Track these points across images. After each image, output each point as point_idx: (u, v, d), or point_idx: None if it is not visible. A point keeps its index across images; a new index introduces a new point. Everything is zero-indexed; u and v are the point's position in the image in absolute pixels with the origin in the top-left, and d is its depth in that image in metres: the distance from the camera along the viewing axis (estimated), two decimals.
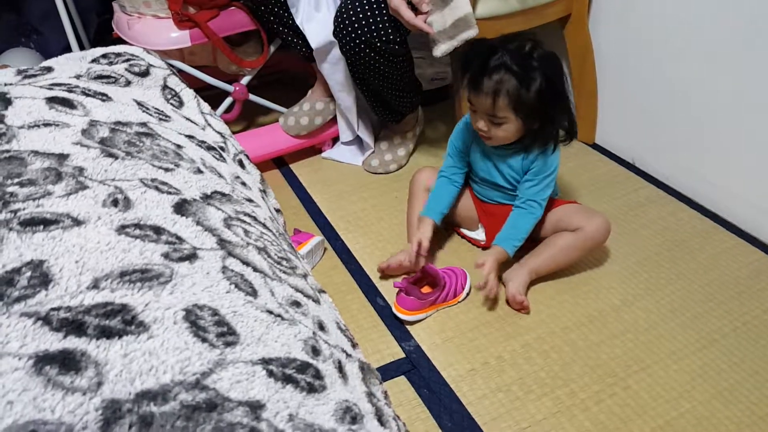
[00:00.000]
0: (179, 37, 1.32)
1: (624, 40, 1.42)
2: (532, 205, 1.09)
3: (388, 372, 1.00)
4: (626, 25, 1.40)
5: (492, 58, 0.98)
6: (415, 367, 1.01)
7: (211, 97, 1.49)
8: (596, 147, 1.58)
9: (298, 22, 1.35)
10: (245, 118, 1.69)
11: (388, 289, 1.16)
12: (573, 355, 1.01)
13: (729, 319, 1.07)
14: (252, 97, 1.49)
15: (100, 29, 1.74)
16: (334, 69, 1.40)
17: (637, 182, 1.44)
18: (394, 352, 1.04)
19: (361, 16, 1.19)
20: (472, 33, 1.20)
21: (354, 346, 0.63)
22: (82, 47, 1.68)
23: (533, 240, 1.15)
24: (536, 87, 0.98)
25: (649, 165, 1.46)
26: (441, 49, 1.19)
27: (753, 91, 1.18)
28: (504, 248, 1.09)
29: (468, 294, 1.14)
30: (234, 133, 1.57)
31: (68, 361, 0.36)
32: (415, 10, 1.16)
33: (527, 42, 1.00)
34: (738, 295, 1.12)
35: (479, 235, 1.25)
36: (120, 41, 1.37)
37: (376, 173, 1.51)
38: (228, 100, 1.47)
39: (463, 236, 1.27)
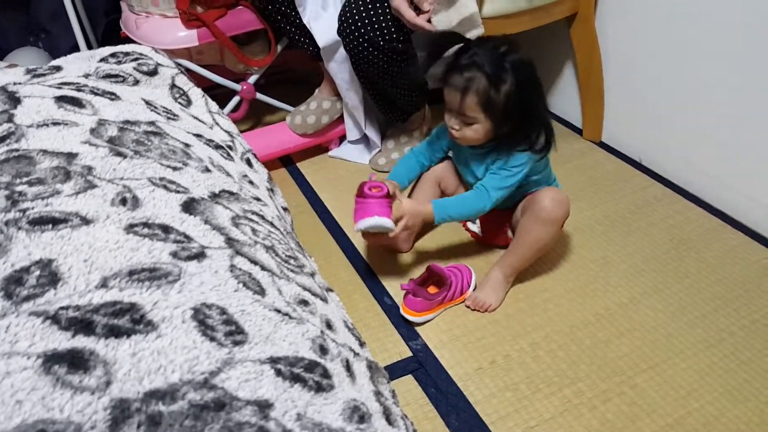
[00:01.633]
0: (187, 36, 1.32)
1: (630, 38, 1.41)
2: (480, 190, 1.05)
3: (395, 371, 1.00)
4: (633, 23, 1.39)
5: (464, 55, 0.97)
6: (423, 366, 1.00)
7: (219, 95, 1.50)
8: (603, 145, 1.57)
9: (305, 20, 1.35)
10: (252, 116, 1.70)
11: (395, 288, 1.16)
12: (580, 353, 1.01)
13: (737, 318, 1.06)
14: (259, 95, 1.49)
15: (108, 29, 1.75)
16: (341, 68, 1.40)
17: (644, 180, 1.43)
18: (401, 350, 1.04)
19: (364, 14, 1.19)
20: (477, 32, 1.20)
21: (362, 344, 0.63)
22: (90, 47, 1.68)
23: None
24: (506, 89, 0.96)
25: (656, 163, 1.46)
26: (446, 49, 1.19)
27: (761, 89, 1.17)
28: (434, 209, 1.04)
29: (474, 291, 1.14)
30: (241, 131, 1.58)
31: (77, 361, 0.36)
32: (417, 10, 1.15)
33: (503, 44, 0.98)
34: (746, 294, 1.11)
35: (475, 226, 1.25)
36: (128, 41, 1.38)
37: (383, 171, 1.51)
38: (235, 99, 1.47)
39: (464, 226, 1.28)
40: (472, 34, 1.19)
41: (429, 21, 1.16)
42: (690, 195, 1.37)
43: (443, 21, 1.17)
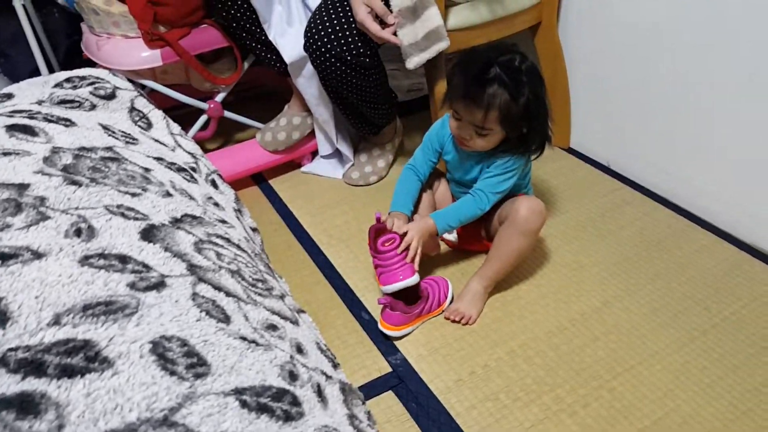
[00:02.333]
0: (150, 57, 1.30)
1: (593, 46, 1.43)
2: (478, 194, 1.08)
3: (375, 388, 0.99)
4: (595, 30, 1.42)
5: (487, 72, 0.98)
6: (403, 381, 1.00)
7: (186, 115, 1.48)
8: (571, 151, 1.59)
9: (270, 37, 1.34)
10: (222, 135, 1.68)
11: (372, 303, 1.15)
12: (557, 359, 1.01)
13: (708, 316, 1.08)
14: (227, 113, 1.48)
15: (69, 51, 1.72)
16: (309, 83, 1.39)
17: (612, 184, 1.45)
18: (380, 366, 1.03)
19: (330, 30, 1.19)
20: (443, 45, 1.20)
21: (335, 366, 0.62)
22: (51, 70, 1.65)
23: (491, 240, 1.16)
24: (524, 101, 0.99)
25: (623, 167, 1.48)
26: (414, 62, 1.19)
27: (722, 91, 1.20)
28: (435, 222, 1.07)
29: (451, 302, 1.13)
30: (211, 150, 1.56)
31: (26, 405, 0.34)
32: (383, 24, 1.16)
33: (516, 55, 1.00)
34: (715, 292, 1.13)
35: (451, 235, 1.25)
36: (90, 62, 1.35)
37: (356, 186, 1.51)
38: (203, 118, 1.45)
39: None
40: (438, 47, 1.20)
41: (395, 34, 1.17)
42: (658, 197, 1.39)
43: (409, 34, 1.18)
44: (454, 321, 1.10)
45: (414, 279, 1.04)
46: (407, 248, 1.05)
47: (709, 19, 1.17)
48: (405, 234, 1.05)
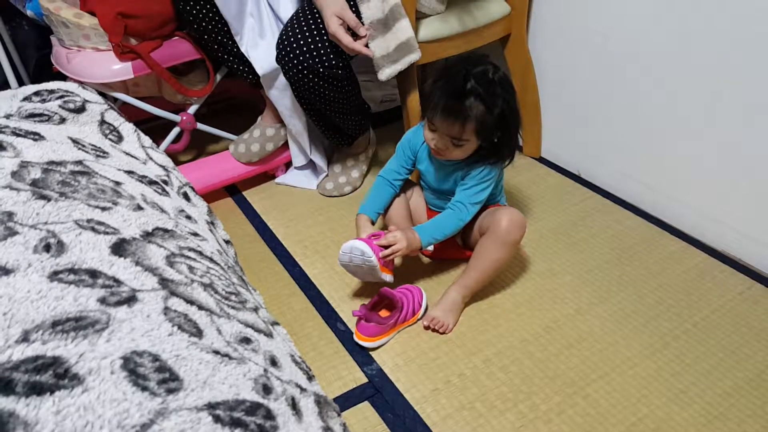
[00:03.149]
0: (121, 69, 1.29)
1: (562, 57, 1.47)
2: (458, 207, 1.10)
3: (351, 399, 0.98)
4: (564, 41, 1.45)
5: (463, 85, 1.00)
6: (379, 392, 0.99)
7: (159, 127, 1.47)
8: (543, 160, 1.62)
9: (243, 49, 1.34)
10: (195, 147, 1.67)
11: (347, 314, 1.15)
12: (533, 367, 1.02)
13: (679, 322, 1.10)
14: (200, 125, 1.47)
15: (39, 64, 1.69)
16: (282, 95, 1.39)
17: (584, 193, 1.48)
18: (356, 377, 1.02)
19: (302, 42, 1.19)
20: (414, 56, 1.22)
21: (310, 378, 0.61)
22: (21, 83, 1.62)
23: (468, 247, 1.18)
24: (498, 111, 1.02)
25: (594, 175, 1.51)
26: (385, 73, 1.21)
27: (687, 101, 1.24)
28: (420, 237, 1.09)
29: (426, 310, 1.14)
30: (183, 162, 1.55)
31: None
32: (354, 35, 1.17)
33: (489, 66, 1.03)
34: (686, 297, 1.16)
35: None
36: (61, 76, 1.33)
37: (331, 196, 1.51)
38: (176, 130, 1.44)
39: None
40: (409, 59, 1.21)
41: (366, 46, 1.18)
42: (628, 205, 1.43)
43: (381, 46, 1.19)
44: (431, 329, 1.10)
45: (365, 246, 1.05)
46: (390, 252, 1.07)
47: (676, 31, 1.21)
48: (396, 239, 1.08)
